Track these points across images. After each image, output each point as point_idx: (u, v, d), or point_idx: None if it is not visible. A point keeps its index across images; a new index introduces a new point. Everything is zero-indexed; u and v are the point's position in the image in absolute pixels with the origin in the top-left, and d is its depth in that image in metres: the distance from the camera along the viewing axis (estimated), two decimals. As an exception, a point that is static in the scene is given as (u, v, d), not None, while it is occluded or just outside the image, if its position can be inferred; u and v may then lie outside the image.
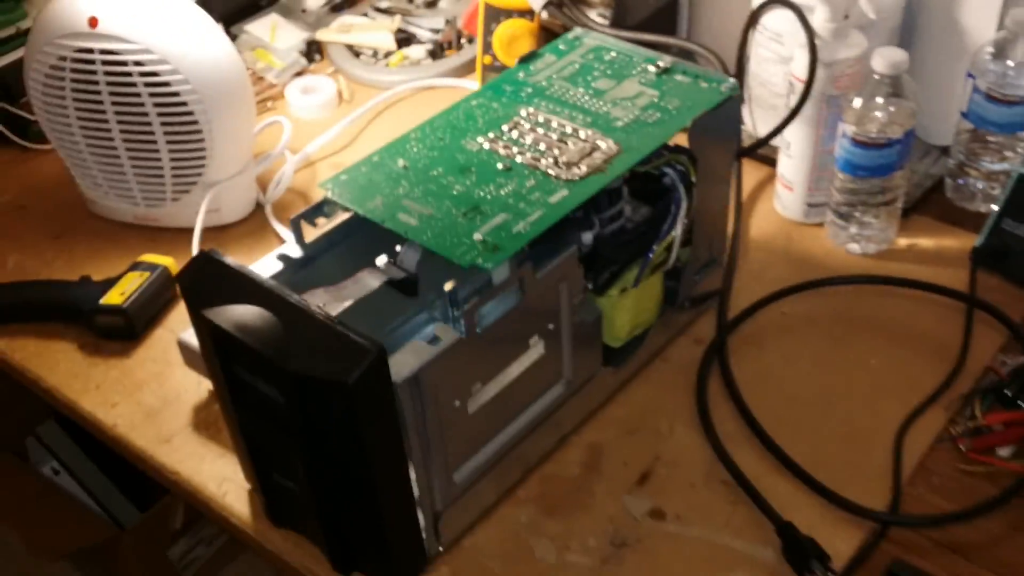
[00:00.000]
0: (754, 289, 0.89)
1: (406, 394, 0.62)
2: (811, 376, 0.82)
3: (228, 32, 1.24)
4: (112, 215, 1.03)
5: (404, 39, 1.24)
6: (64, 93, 0.94)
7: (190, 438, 0.81)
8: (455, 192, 0.70)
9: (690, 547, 0.71)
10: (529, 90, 0.80)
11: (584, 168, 0.71)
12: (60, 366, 0.88)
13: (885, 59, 0.83)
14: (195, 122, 0.94)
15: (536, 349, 0.72)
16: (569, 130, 0.74)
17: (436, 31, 1.23)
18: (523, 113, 0.77)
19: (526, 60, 0.83)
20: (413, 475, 0.66)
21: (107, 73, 0.92)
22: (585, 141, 0.73)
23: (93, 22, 0.91)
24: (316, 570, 0.71)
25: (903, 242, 0.93)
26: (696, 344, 0.85)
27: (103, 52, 0.91)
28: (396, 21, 1.25)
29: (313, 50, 1.25)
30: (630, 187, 0.78)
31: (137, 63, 0.91)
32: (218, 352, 0.64)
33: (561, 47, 0.84)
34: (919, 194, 0.97)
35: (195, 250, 0.95)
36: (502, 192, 0.69)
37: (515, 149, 0.73)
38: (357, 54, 1.24)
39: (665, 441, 0.78)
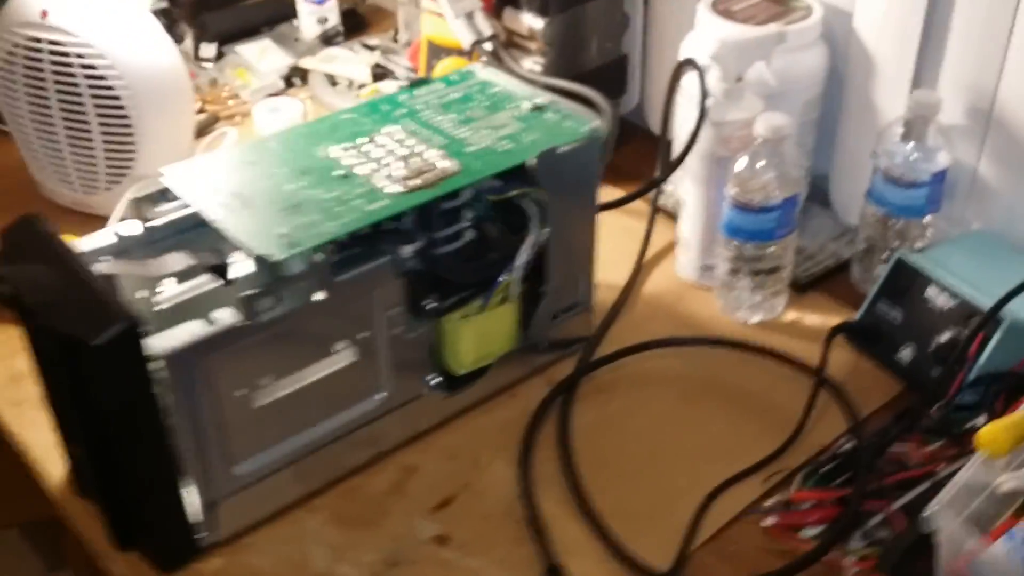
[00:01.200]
0: (627, 340, 0.88)
1: (172, 370, 0.63)
2: (647, 431, 0.81)
3: (219, 50, 1.32)
4: (55, 198, 1.08)
5: (381, 74, 1.27)
6: (16, 78, 1.00)
7: (40, 405, 0.84)
8: (283, 190, 0.72)
9: (458, 575, 0.70)
10: (403, 111, 0.82)
11: (417, 183, 0.72)
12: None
13: (766, 123, 0.82)
14: (126, 116, 0.99)
15: (344, 355, 0.73)
16: (419, 149, 0.76)
17: (413, 70, 1.27)
18: (385, 131, 0.79)
19: (414, 85, 0.85)
20: (182, 457, 0.67)
21: (53, 63, 0.98)
22: (426, 160, 0.74)
23: (44, 14, 0.97)
24: (100, 542, 0.72)
25: (791, 316, 0.91)
26: (548, 385, 0.85)
27: (50, 43, 0.97)
28: (375, 56, 1.29)
29: (295, 75, 1.30)
30: (505, 220, 0.79)
31: (79, 55, 0.97)
32: (20, 310, 0.67)
33: (453, 78, 0.86)
34: (819, 271, 0.95)
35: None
36: (327, 196, 0.71)
37: (359, 160, 0.75)
38: (335, 83, 1.28)
39: (480, 472, 0.78)
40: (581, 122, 0.79)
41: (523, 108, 0.81)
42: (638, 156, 1.10)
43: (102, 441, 0.66)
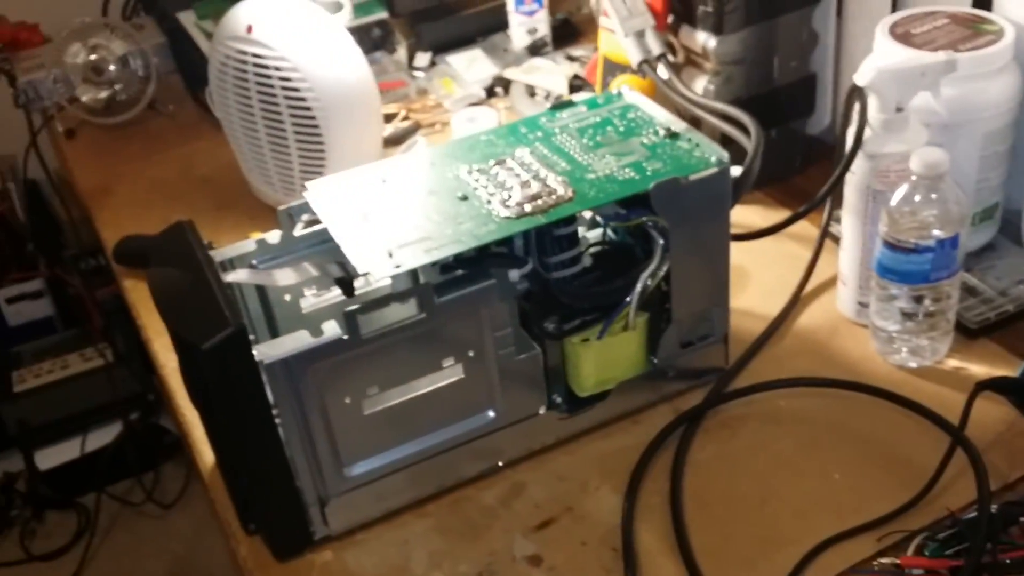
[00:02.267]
0: (768, 374, 0.86)
1: (277, 375, 0.68)
2: (765, 472, 0.78)
3: (432, 60, 1.38)
4: (261, 197, 1.18)
5: (579, 86, 1.29)
6: (227, 86, 1.10)
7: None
8: (405, 209, 0.75)
9: (545, 598, 0.71)
10: (539, 134, 0.83)
11: (528, 209, 0.73)
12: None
13: (921, 160, 0.77)
14: (316, 126, 1.07)
15: (452, 371, 0.75)
16: (542, 174, 0.77)
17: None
18: (517, 154, 0.80)
19: (557, 107, 0.86)
20: (292, 456, 0.72)
21: (256, 74, 1.07)
22: (546, 185, 0.75)
23: (249, 29, 1.06)
24: (232, 523, 0.79)
25: (952, 363, 0.85)
26: (674, 414, 0.83)
27: (254, 55, 1.06)
28: (574, 68, 1.30)
29: (498, 85, 1.33)
30: (642, 247, 0.79)
31: (277, 68, 1.05)
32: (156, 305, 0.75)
33: (599, 101, 0.87)
34: (995, 317, 0.87)
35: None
36: (443, 217, 0.74)
37: (483, 182, 0.77)
38: (534, 94, 1.31)
39: (586, 496, 0.78)
40: (711, 152, 0.77)
41: (657, 136, 0.80)
42: (825, 178, 1.05)
43: (221, 435, 0.72)
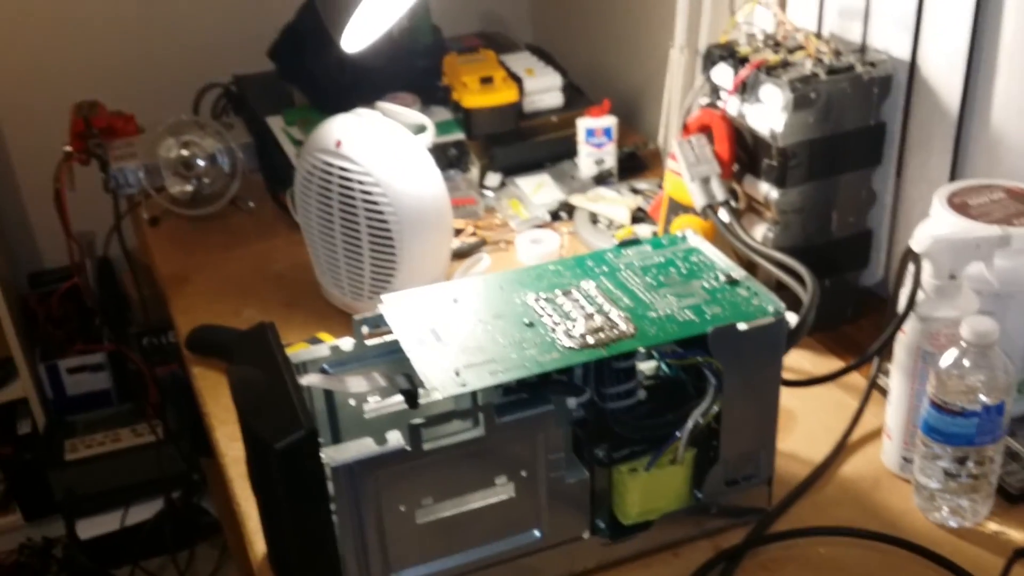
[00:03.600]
0: (808, 520, 0.88)
1: (340, 478, 0.72)
2: (799, 618, 0.80)
3: (502, 181, 1.44)
4: (329, 299, 1.23)
5: (640, 218, 1.34)
6: (311, 194, 1.17)
7: (263, 482, 0.96)
8: (473, 330, 0.80)
9: None
10: (605, 268, 0.87)
11: (590, 341, 0.77)
12: (222, 400, 1.08)
13: (971, 328, 0.80)
14: (391, 238, 1.12)
15: (504, 489, 0.78)
16: (605, 308, 0.81)
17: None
18: (583, 285, 0.85)
19: (624, 244, 0.91)
20: (344, 555, 0.75)
21: (340, 185, 1.13)
22: (608, 320, 0.79)
23: (338, 144, 1.13)
24: (278, 614, 0.82)
25: (992, 527, 0.86)
26: (714, 551, 0.86)
27: (340, 168, 1.13)
28: (637, 200, 1.36)
29: (562, 210, 1.39)
30: (695, 383, 0.83)
31: (360, 182, 1.11)
32: (234, 400, 0.79)
33: (663, 241, 0.91)
34: (1036, 485, 0.89)
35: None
36: (509, 341, 0.78)
37: (549, 311, 0.81)
38: (596, 221, 1.36)
39: (622, 625, 0.80)
40: (768, 302, 0.81)
41: (718, 281, 0.85)
42: (877, 330, 1.08)
43: (278, 529, 0.75)
